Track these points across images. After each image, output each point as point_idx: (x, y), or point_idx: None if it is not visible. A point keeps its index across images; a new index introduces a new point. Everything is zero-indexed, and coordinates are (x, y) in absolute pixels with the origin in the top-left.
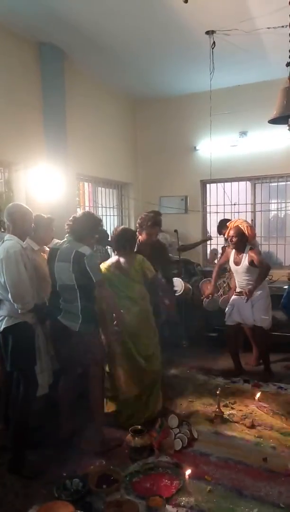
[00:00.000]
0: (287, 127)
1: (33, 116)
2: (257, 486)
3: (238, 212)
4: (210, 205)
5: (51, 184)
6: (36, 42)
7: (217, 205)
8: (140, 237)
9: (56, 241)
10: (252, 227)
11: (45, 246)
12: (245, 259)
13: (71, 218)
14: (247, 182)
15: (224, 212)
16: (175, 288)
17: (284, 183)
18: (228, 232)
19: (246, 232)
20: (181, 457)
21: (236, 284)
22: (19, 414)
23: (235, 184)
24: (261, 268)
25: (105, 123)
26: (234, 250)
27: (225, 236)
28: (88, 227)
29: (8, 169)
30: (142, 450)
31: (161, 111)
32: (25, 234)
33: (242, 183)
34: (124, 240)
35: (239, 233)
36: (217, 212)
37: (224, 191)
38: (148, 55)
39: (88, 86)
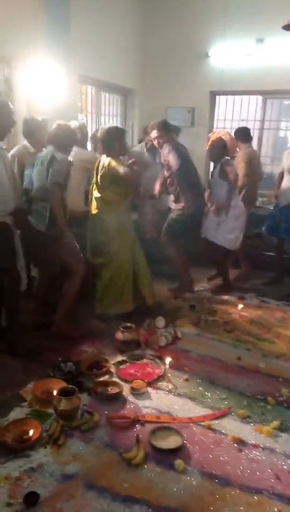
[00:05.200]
0: None
1: (34, 9)
2: (228, 378)
3: None
4: (217, 119)
5: (52, 83)
6: None
7: (225, 119)
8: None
9: None
10: (233, 140)
11: (43, 149)
12: (216, 171)
13: (50, 131)
14: (259, 96)
15: (231, 128)
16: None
17: None
18: (210, 143)
19: (228, 144)
20: (164, 352)
21: None
22: (9, 306)
23: (245, 99)
24: (229, 183)
25: (111, 20)
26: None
27: (207, 147)
28: (67, 139)
29: (8, 66)
30: (130, 343)
31: (172, 9)
32: (4, 130)
33: (253, 98)
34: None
35: (221, 144)
36: (224, 127)
37: (233, 105)
38: None
39: None
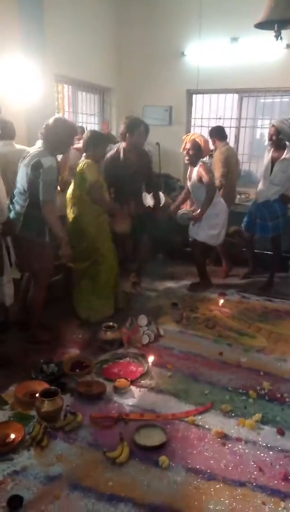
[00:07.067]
0: (274, 34)
1: (7, 8)
2: (211, 374)
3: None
4: (195, 118)
5: (27, 82)
6: None
7: (202, 118)
8: (123, 144)
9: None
10: (207, 141)
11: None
12: (194, 175)
13: (43, 125)
14: (235, 95)
15: (208, 126)
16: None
17: (271, 100)
18: (184, 145)
19: (202, 146)
20: (147, 350)
21: None
22: None
23: (221, 97)
24: (208, 190)
25: (86, 18)
26: (189, 165)
27: (181, 149)
28: (62, 136)
29: None
30: (113, 342)
31: (147, 8)
32: None
33: (229, 97)
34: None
35: (196, 146)
36: (201, 126)
37: (210, 103)
38: None
39: None
